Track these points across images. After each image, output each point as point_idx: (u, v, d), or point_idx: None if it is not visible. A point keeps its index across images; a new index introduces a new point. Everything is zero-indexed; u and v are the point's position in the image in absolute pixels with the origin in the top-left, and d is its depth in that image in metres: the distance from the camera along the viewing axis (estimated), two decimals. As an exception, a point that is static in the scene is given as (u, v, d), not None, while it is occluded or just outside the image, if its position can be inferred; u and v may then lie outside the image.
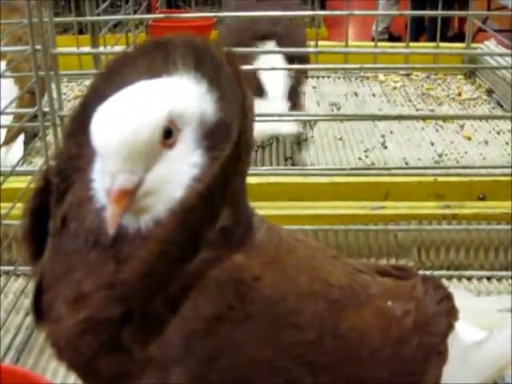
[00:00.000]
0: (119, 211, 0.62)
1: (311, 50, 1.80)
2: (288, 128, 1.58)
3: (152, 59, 0.70)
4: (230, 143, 0.64)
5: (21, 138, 1.70)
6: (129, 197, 0.62)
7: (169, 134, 0.64)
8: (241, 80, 0.66)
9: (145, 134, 0.62)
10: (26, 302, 1.23)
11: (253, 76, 1.54)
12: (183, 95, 0.66)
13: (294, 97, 1.64)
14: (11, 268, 1.27)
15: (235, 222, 0.67)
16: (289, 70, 1.62)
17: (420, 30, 4.51)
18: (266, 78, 1.59)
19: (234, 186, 0.65)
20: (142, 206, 0.64)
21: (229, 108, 0.66)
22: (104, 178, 0.63)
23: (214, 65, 0.67)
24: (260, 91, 1.57)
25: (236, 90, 0.65)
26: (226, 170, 0.63)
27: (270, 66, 1.50)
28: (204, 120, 0.66)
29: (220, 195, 0.64)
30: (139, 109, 0.63)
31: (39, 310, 0.69)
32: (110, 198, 0.62)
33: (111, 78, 0.71)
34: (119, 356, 0.63)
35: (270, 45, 1.70)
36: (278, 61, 1.58)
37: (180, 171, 0.64)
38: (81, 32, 2.38)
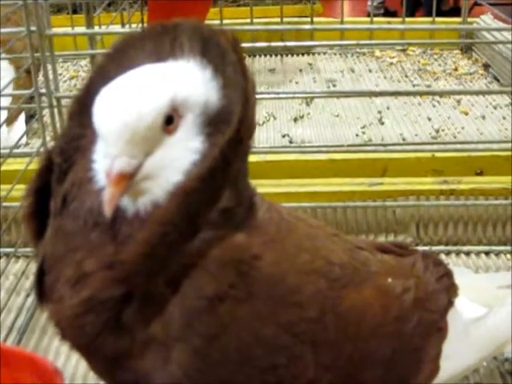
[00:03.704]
0: (117, 194, 0.62)
1: (307, 26, 1.80)
2: None
3: (159, 42, 0.70)
4: (230, 128, 0.64)
5: (22, 117, 1.70)
6: (127, 180, 0.62)
7: (170, 121, 0.64)
8: (244, 67, 0.66)
9: (146, 119, 0.62)
10: (27, 283, 1.23)
11: None
12: (188, 81, 0.66)
13: None
14: (11, 250, 1.27)
15: (236, 203, 0.67)
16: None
17: (416, 4, 4.50)
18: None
19: (235, 168, 0.65)
20: (141, 189, 0.64)
21: (232, 95, 0.66)
22: (104, 160, 0.63)
23: (220, 52, 0.67)
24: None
25: (239, 77, 0.65)
26: (226, 154, 0.63)
27: None
28: (207, 107, 0.66)
29: (221, 177, 0.64)
30: (142, 94, 0.63)
31: (42, 291, 0.69)
32: (109, 181, 0.62)
33: (117, 59, 0.71)
34: (121, 335, 0.64)
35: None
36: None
37: (179, 157, 0.64)
38: (75, 11, 2.37)
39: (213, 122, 0.66)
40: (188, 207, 0.62)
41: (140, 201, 0.64)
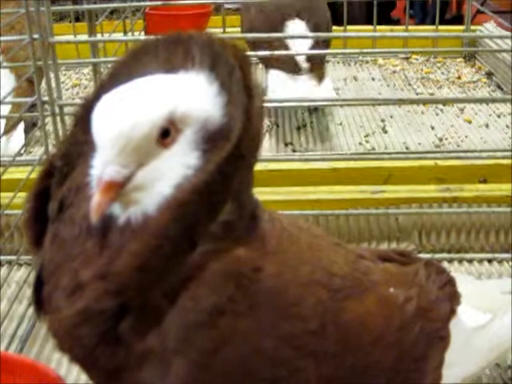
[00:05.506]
0: (104, 202, 0.62)
1: (310, 34, 1.80)
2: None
3: (172, 52, 0.70)
4: (227, 146, 0.63)
5: (21, 126, 1.70)
6: (116, 189, 0.62)
7: (166, 134, 0.64)
8: (250, 85, 0.66)
9: (141, 130, 0.62)
10: (29, 291, 1.21)
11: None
12: (192, 95, 0.65)
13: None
14: (13, 258, 1.27)
15: (238, 215, 0.66)
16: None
17: (426, 13, 4.51)
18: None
19: (236, 182, 0.64)
20: (131, 199, 0.64)
21: (235, 113, 0.65)
22: (97, 167, 0.63)
23: (228, 68, 0.66)
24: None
25: (243, 96, 0.65)
26: (224, 170, 0.63)
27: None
28: (208, 123, 0.65)
29: (220, 192, 0.63)
30: (141, 105, 0.63)
31: (40, 300, 0.69)
32: (98, 188, 0.62)
33: (129, 66, 0.71)
34: (118, 347, 0.63)
35: (297, 22, 1.78)
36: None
37: (172, 171, 0.64)
38: (77, 19, 2.37)
39: (211, 139, 0.65)
40: (183, 220, 0.62)
41: (131, 210, 0.64)
